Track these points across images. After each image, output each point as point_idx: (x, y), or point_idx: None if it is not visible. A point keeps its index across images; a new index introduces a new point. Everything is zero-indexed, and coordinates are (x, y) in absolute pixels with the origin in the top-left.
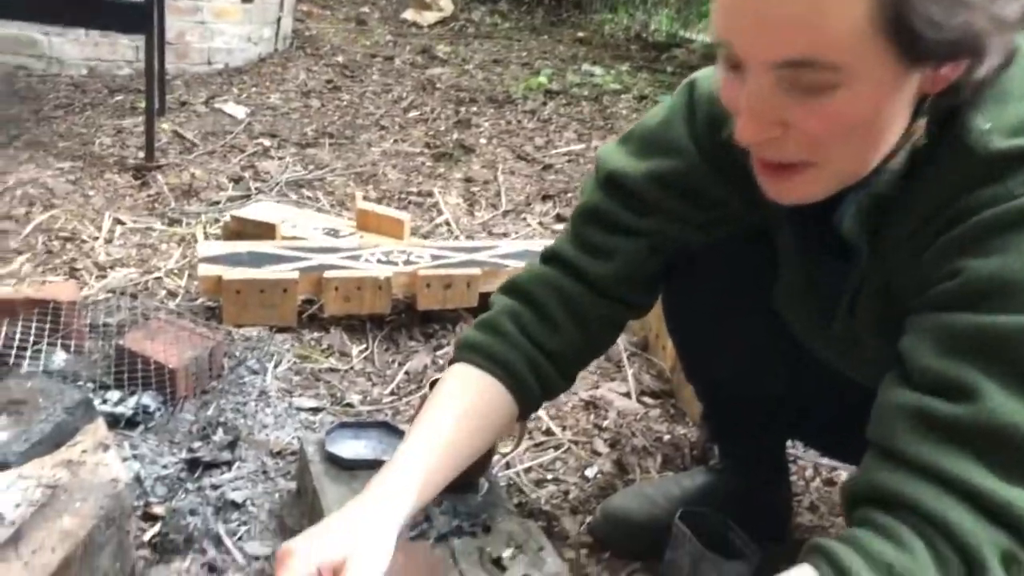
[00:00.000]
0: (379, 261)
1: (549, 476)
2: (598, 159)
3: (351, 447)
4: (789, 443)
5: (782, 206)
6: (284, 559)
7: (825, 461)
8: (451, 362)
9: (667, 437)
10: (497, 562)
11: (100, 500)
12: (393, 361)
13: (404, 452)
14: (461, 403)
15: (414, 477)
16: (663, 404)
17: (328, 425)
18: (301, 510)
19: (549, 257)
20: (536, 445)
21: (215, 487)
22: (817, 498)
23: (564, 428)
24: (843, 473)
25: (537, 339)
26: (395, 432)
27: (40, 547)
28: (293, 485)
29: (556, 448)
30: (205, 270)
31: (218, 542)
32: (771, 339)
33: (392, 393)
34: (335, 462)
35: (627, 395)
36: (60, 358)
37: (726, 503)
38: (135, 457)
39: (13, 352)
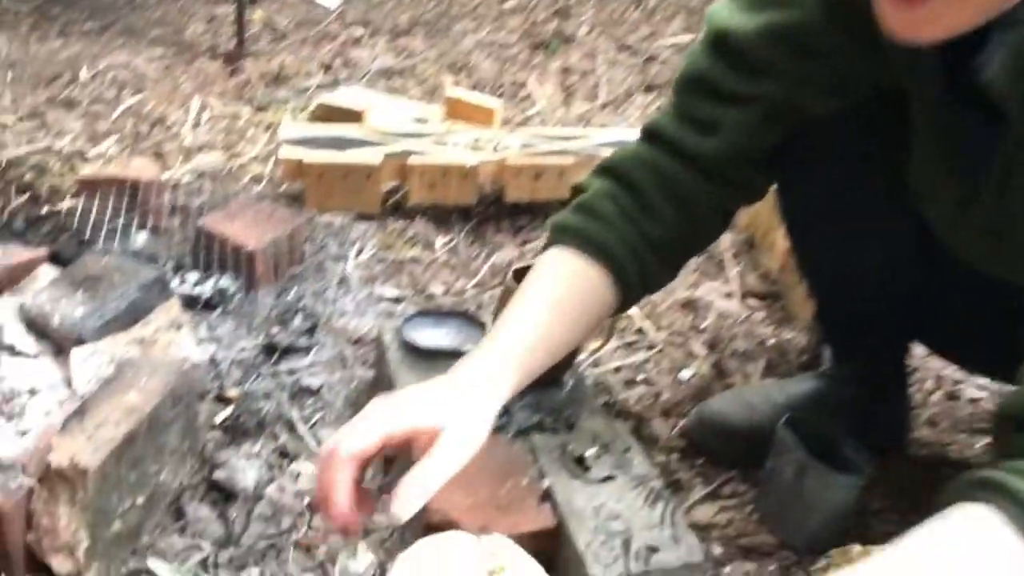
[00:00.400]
0: (467, 148)
1: (640, 377)
2: (707, 18)
3: (430, 335)
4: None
5: (913, 60)
6: (356, 421)
7: (949, 372)
8: (545, 246)
9: (772, 341)
10: (580, 461)
11: (167, 378)
12: (478, 254)
13: (496, 338)
14: (556, 290)
15: (509, 363)
16: (769, 307)
17: (408, 312)
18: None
19: (649, 135)
20: (627, 345)
21: (291, 372)
22: (938, 412)
23: (658, 328)
24: (969, 388)
25: (638, 224)
26: (475, 323)
27: (104, 421)
28: (371, 373)
29: (649, 348)
30: (287, 152)
31: (291, 427)
32: (900, 227)
33: (476, 286)
34: (413, 350)
35: (729, 296)
36: (141, 238)
37: (837, 412)
38: (212, 340)
39: (92, 229)
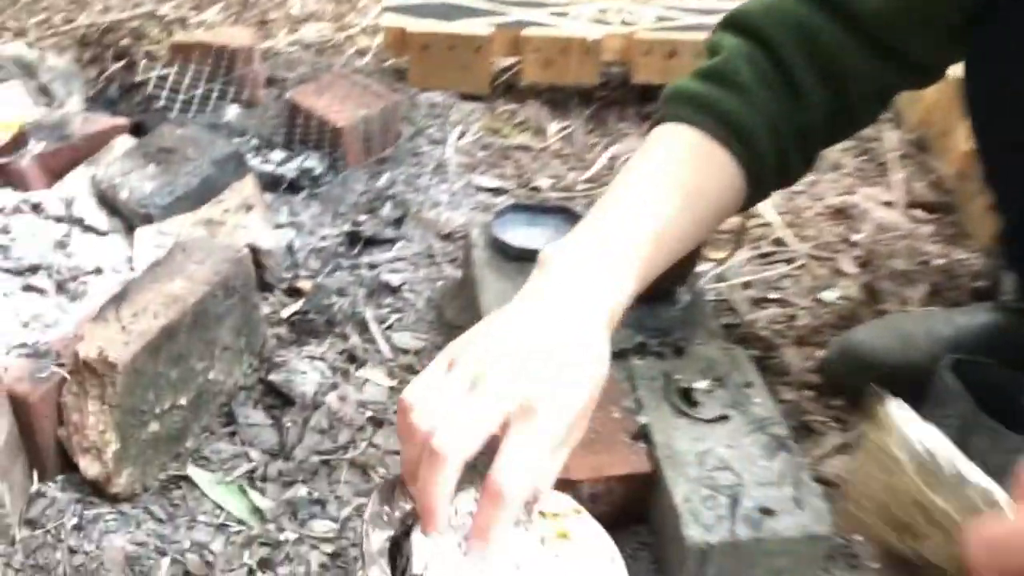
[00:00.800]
0: (590, 20)
1: (773, 295)
2: None
3: (522, 234)
4: None
5: None
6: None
7: None
8: (659, 119)
9: (939, 261)
10: (687, 394)
11: (219, 266)
12: (596, 144)
13: (607, 229)
14: (679, 174)
15: (628, 265)
16: (938, 220)
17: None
18: (462, 302)
19: None
20: (761, 256)
21: (372, 266)
22: None
23: (802, 239)
24: None
25: (779, 98)
26: (578, 219)
27: (143, 311)
28: (458, 273)
29: (788, 262)
30: (389, 20)
31: (363, 328)
32: None
33: (589, 180)
34: (501, 250)
35: (890, 205)
36: (231, 110)
37: (1015, 355)
38: (292, 224)
39: (180, 99)
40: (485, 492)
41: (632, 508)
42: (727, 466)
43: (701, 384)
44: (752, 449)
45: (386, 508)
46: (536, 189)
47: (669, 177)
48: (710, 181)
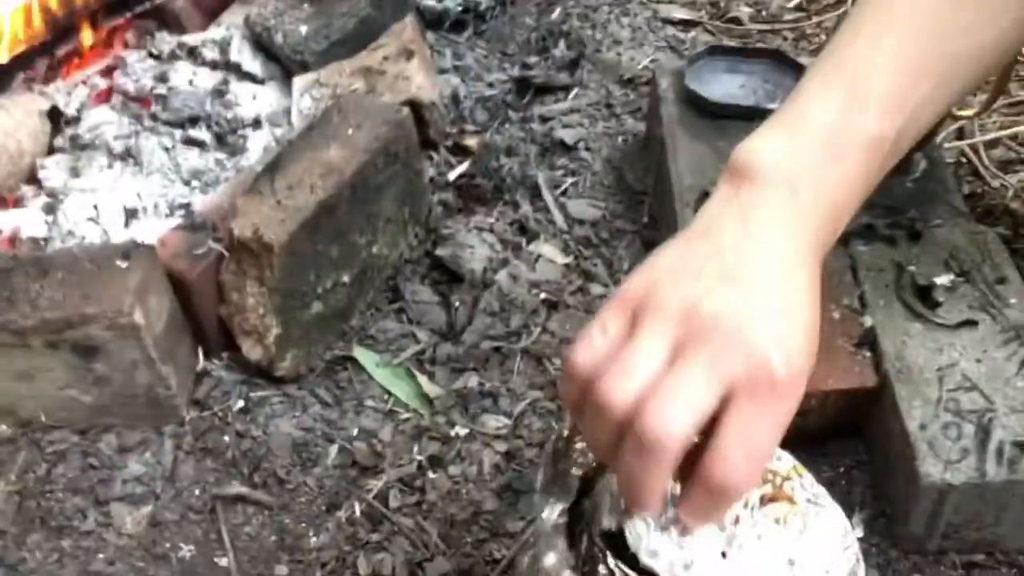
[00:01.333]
0: None
1: None
2: None
3: (722, 84)
4: None
5: None
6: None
7: None
8: None
9: None
10: (925, 292)
11: (379, 129)
12: None
13: (833, 126)
14: (939, 11)
15: (860, 176)
16: None
17: (699, 47)
18: (646, 164)
19: None
20: (1011, 105)
21: (544, 120)
22: None
23: None
24: None
25: None
26: (790, 67)
27: (298, 183)
28: (642, 127)
29: None
30: None
31: (535, 194)
32: None
33: (799, 8)
34: (696, 103)
35: None
36: None
37: None
38: (456, 69)
39: None
40: (702, 485)
41: (848, 422)
42: (975, 386)
43: (942, 279)
44: (1008, 365)
45: (559, 475)
46: (735, 21)
47: (927, 19)
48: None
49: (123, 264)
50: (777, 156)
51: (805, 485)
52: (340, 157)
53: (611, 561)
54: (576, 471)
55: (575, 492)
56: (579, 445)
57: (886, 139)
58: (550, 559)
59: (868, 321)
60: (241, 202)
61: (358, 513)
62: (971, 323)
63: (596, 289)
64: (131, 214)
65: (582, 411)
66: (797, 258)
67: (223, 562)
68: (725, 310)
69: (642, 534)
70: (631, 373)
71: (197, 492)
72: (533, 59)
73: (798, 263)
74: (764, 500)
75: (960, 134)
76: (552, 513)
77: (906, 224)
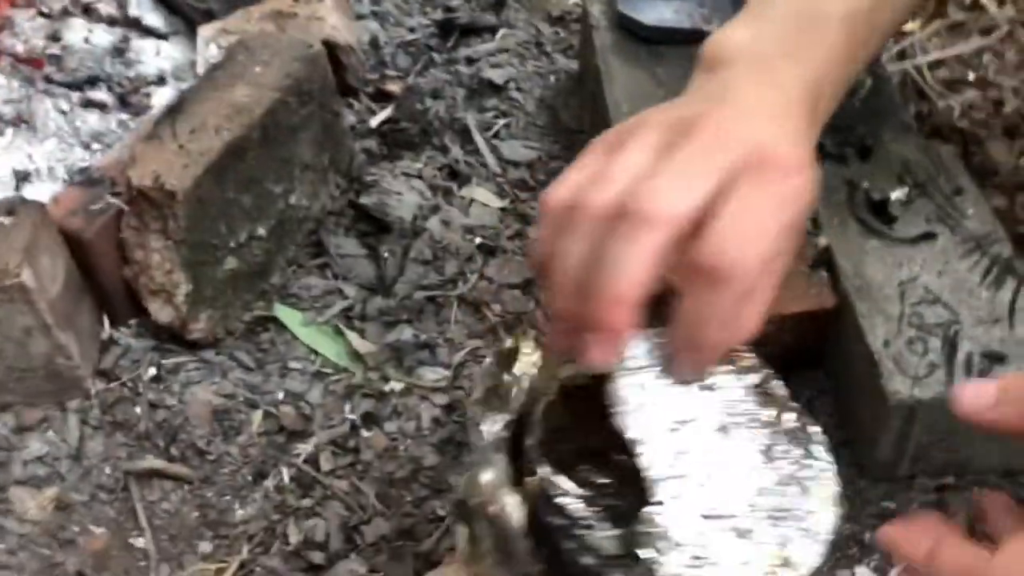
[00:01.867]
0: None
1: (970, 75)
2: None
3: (656, 9)
4: None
5: None
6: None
7: None
8: None
9: None
10: (880, 207)
11: (290, 66)
12: None
13: (798, 10)
14: None
15: (830, 61)
16: None
17: None
18: (581, 101)
19: None
20: (951, 27)
21: (470, 61)
22: None
23: (1001, 1)
24: None
25: None
26: None
27: (202, 126)
28: (574, 65)
29: (984, 33)
30: None
31: (465, 137)
32: None
33: None
34: (630, 29)
35: None
36: None
37: None
38: (375, 15)
39: None
40: (695, 274)
41: (806, 351)
42: (937, 299)
43: (897, 193)
44: (969, 276)
45: (499, 387)
46: None
47: None
48: None
49: (6, 221)
50: (747, 37)
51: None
52: (248, 97)
53: (541, 470)
54: (517, 387)
55: (517, 406)
56: (523, 360)
57: (860, 11)
58: (487, 475)
59: (822, 241)
60: (139, 149)
61: (287, 480)
62: (930, 236)
63: (535, 232)
64: (22, 177)
65: (551, 264)
66: (785, 110)
67: (139, 543)
68: (717, 117)
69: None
70: (617, 178)
71: (108, 470)
72: (455, 1)
73: (787, 114)
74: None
75: (903, 54)
76: (492, 426)
77: (855, 141)
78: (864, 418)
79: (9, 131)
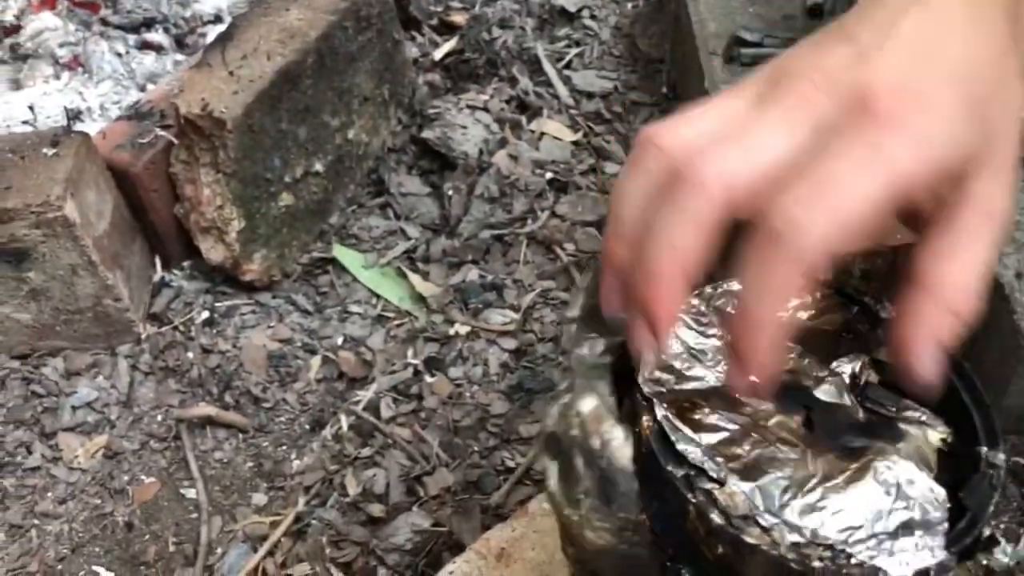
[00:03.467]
0: None
1: None
2: None
3: None
4: None
5: None
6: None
7: None
8: None
9: None
10: None
11: None
12: None
13: None
14: None
15: None
16: None
17: None
18: (661, 28)
19: None
20: None
21: None
22: None
23: None
24: None
25: None
26: None
27: (253, 51)
28: None
29: None
30: None
31: (535, 68)
32: None
33: None
34: None
35: None
36: None
37: None
38: None
39: None
40: (759, 237)
41: None
42: None
43: None
44: None
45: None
46: None
47: None
48: None
49: (50, 152)
50: None
51: None
52: (301, 20)
53: (659, 411)
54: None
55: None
56: None
57: None
58: (587, 404)
59: None
60: (188, 77)
61: (345, 428)
62: None
63: (611, 168)
64: (74, 116)
65: (617, 200)
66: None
67: (191, 493)
68: (891, 80)
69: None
70: (754, 149)
71: (159, 417)
72: None
73: (978, 19)
74: None
75: None
76: (592, 350)
77: None
78: (990, 363)
79: (65, 74)
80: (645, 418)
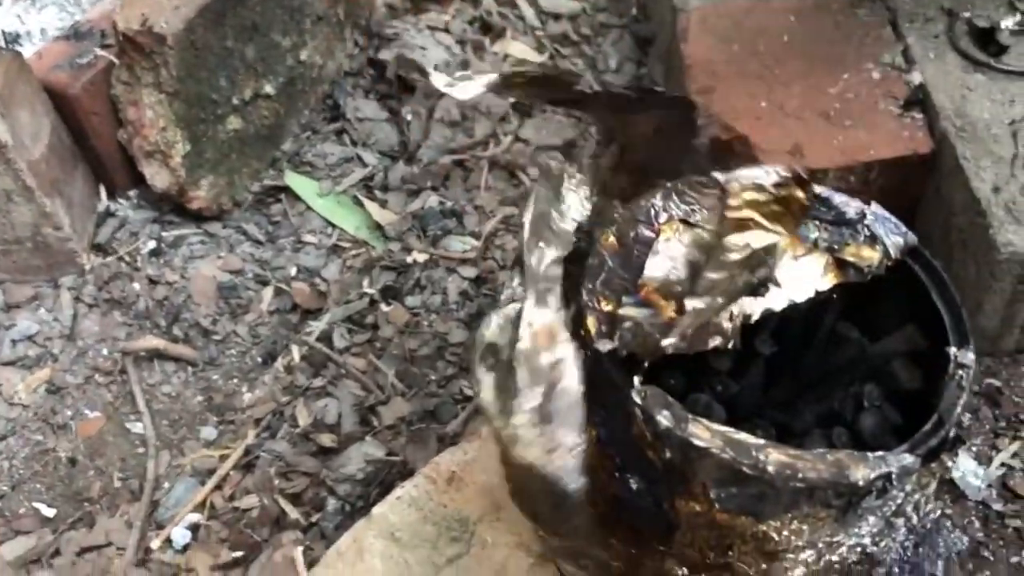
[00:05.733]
0: None
1: None
2: None
3: None
4: None
5: None
6: None
7: None
8: None
9: None
10: (985, 36)
11: None
12: None
13: None
14: None
15: None
16: None
17: None
18: None
19: None
20: None
21: None
22: None
23: None
24: None
25: None
26: None
27: None
28: None
29: None
30: None
31: None
32: None
33: None
34: None
35: None
36: None
37: None
38: None
39: None
40: None
41: (895, 205)
42: None
43: (1007, 21)
44: None
45: (555, 211)
46: None
47: None
48: None
49: None
50: None
51: None
52: None
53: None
54: (582, 208)
55: (572, 240)
56: (570, 192)
57: None
58: (540, 316)
59: (916, 78)
60: None
61: (297, 359)
62: None
63: None
64: (12, 39)
65: None
66: None
67: (137, 428)
68: None
69: None
70: None
71: (104, 350)
72: None
73: None
74: None
75: None
76: (542, 261)
77: None
78: (965, 281)
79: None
80: (590, 320)
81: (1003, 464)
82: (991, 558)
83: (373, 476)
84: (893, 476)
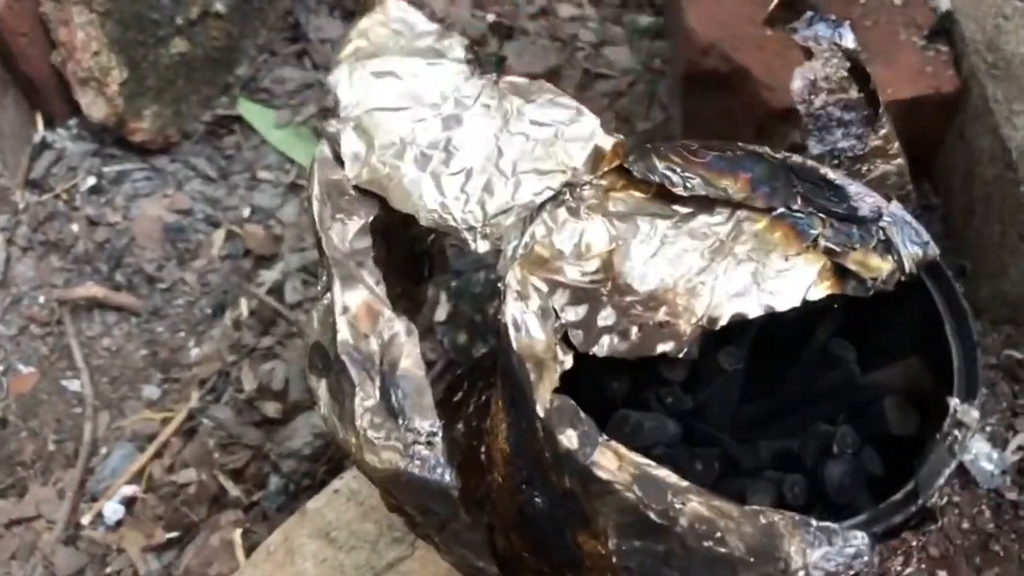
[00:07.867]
0: None
1: None
2: None
3: None
4: None
5: None
6: None
7: None
8: None
9: None
10: None
11: None
12: None
13: None
14: None
15: None
16: None
17: None
18: None
19: None
20: None
21: None
22: None
23: None
24: None
25: None
26: None
27: None
28: None
29: None
30: None
31: None
32: None
33: None
34: None
35: None
36: None
37: None
38: None
39: None
40: None
41: (911, 149)
42: None
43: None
44: None
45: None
46: None
47: None
48: None
49: None
50: None
51: None
52: None
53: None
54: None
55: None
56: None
57: None
58: (354, 297)
59: (944, 4)
60: None
61: (245, 314)
62: None
63: (565, 10)
64: None
65: None
66: None
67: (74, 385)
68: None
69: None
70: None
71: (40, 299)
72: None
73: None
74: None
75: None
76: (344, 236)
77: None
78: (988, 241)
79: None
80: (501, 306)
81: (1020, 447)
82: (1001, 553)
83: (321, 451)
84: (838, 564)
